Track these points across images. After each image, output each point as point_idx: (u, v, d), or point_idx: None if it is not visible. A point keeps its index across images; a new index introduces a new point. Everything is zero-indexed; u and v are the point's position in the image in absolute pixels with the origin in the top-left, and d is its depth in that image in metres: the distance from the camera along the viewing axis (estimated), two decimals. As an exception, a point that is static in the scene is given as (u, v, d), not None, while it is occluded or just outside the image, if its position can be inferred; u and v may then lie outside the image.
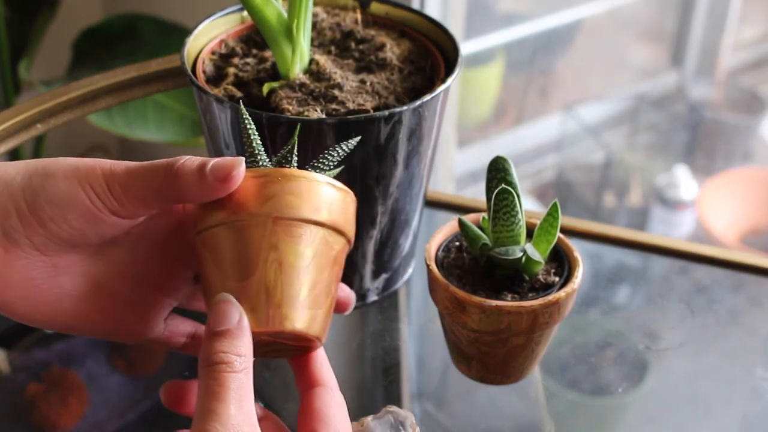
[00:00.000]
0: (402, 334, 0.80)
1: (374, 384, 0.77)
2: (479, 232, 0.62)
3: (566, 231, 0.82)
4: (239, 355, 0.48)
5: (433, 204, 0.86)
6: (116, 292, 0.54)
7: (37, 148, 1.43)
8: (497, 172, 0.62)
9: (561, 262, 0.64)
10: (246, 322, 0.49)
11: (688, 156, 2.04)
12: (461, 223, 0.63)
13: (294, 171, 0.51)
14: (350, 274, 0.68)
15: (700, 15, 2.07)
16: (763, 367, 0.81)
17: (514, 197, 0.60)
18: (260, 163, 0.53)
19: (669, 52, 2.14)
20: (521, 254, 0.60)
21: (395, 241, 0.69)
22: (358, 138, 0.55)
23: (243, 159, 0.51)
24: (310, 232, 0.49)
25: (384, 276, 0.70)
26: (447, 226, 0.66)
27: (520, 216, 0.60)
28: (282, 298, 0.48)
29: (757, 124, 2.06)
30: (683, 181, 1.88)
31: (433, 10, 1.38)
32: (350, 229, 0.52)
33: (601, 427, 0.80)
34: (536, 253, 0.60)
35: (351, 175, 0.62)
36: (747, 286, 0.84)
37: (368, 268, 0.69)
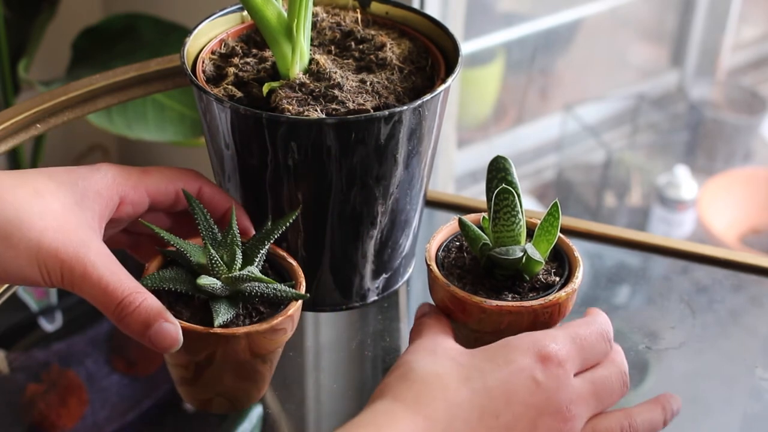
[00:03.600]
0: (402, 334, 0.80)
1: (374, 384, 0.77)
2: (479, 232, 0.62)
3: (566, 231, 0.82)
4: (427, 313, 0.62)
5: (433, 204, 0.86)
6: None
7: (37, 148, 1.43)
8: (498, 171, 0.62)
9: (561, 261, 0.64)
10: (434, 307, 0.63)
11: (688, 156, 2.04)
12: (461, 222, 0.63)
13: None
14: (350, 274, 0.68)
15: (700, 14, 2.07)
16: (763, 367, 0.81)
17: (514, 197, 0.60)
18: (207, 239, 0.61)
19: (669, 51, 2.14)
20: (521, 254, 0.59)
21: (395, 241, 0.69)
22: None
23: (179, 332, 0.55)
24: None
25: (384, 276, 0.70)
26: (447, 226, 0.66)
27: (520, 216, 0.60)
28: None
29: (758, 124, 2.06)
30: (683, 181, 1.87)
31: (433, 10, 1.38)
32: None
33: (602, 427, 0.80)
34: (537, 253, 0.60)
35: (351, 175, 0.62)
36: (747, 286, 0.84)
37: (368, 268, 0.69)
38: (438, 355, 0.55)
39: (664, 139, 2.04)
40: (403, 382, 0.53)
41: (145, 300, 0.55)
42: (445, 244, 0.65)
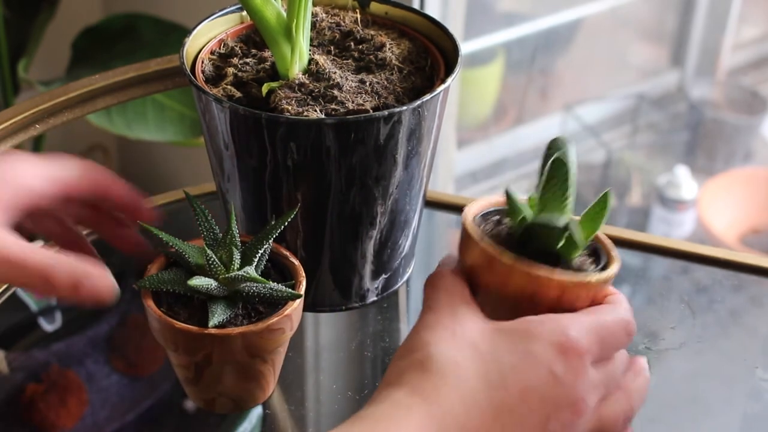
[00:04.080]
0: (402, 335, 0.80)
1: (374, 384, 0.77)
2: (524, 205, 0.59)
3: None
4: (446, 264, 0.60)
5: (433, 204, 0.86)
6: None
7: (36, 148, 1.43)
8: (556, 149, 0.58)
9: (598, 257, 0.60)
10: (453, 256, 0.60)
11: (688, 156, 2.04)
12: (507, 192, 0.59)
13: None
14: (350, 274, 0.68)
15: (700, 14, 2.07)
16: (763, 367, 0.81)
17: (568, 169, 0.57)
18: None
19: (669, 51, 2.14)
20: (565, 224, 0.55)
21: (395, 242, 0.69)
22: None
23: (112, 286, 0.56)
24: None
25: (383, 276, 0.70)
26: (488, 198, 0.62)
27: (570, 191, 0.57)
28: None
29: (758, 124, 2.06)
30: (684, 181, 1.88)
31: (433, 10, 1.38)
32: None
33: (602, 427, 0.80)
34: (579, 232, 0.56)
35: (350, 175, 0.62)
36: (747, 286, 0.84)
37: (368, 269, 0.69)
38: (457, 338, 0.53)
39: (664, 139, 2.04)
40: (421, 372, 0.52)
41: (63, 263, 0.55)
42: (482, 213, 0.61)
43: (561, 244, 0.57)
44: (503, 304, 0.57)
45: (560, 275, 0.56)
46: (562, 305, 0.56)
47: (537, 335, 0.53)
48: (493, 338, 0.53)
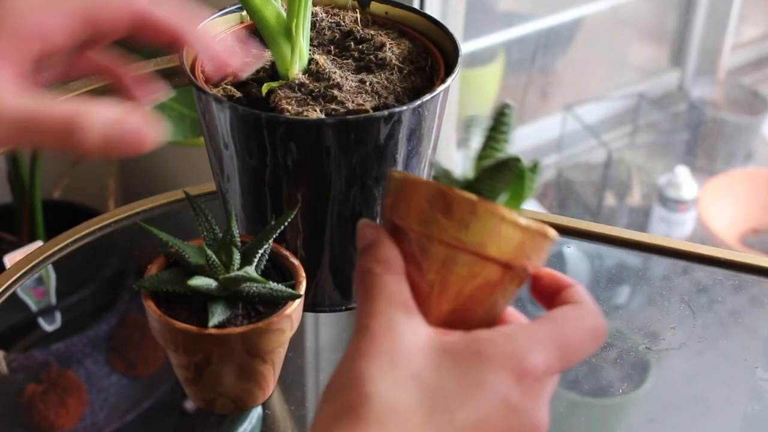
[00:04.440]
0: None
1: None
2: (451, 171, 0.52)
3: (566, 231, 0.82)
4: (379, 261, 0.47)
5: (433, 204, 0.86)
6: None
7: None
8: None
9: None
10: (383, 233, 0.48)
11: (688, 156, 2.04)
12: (433, 162, 0.56)
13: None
14: (350, 274, 0.68)
15: (700, 14, 2.07)
16: (763, 367, 0.81)
17: (510, 118, 0.50)
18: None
19: (670, 51, 2.14)
20: (516, 157, 0.47)
21: (395, 242, 0.68)
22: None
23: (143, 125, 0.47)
24: None
25: (384, 276, 0.70)
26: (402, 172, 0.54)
27: (510, 136, 0.50)
28: None
29: (759, 124, 2.06)
30: (684, 181, 1.88)
31: (433, 10, 1.38)
32: None
33: (602, 427, 0.80)
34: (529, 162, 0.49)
35: (350, 175, 0.62)
36: (747, 286, 0.83)
37: (368, 269, 0.68)
38: (397, 368, 0.44)
39: (665, 139, 2.04)
40: (356, 421, 0.43)
41: (91, 112, 0.47)
42: None
43: (514, 185, 0.49)
44: (461, 256, 0.48)
45: (523, 220, 0.48)
46: (518, 260, 0.49)
47: (490, 360, 0.45)
48: (439, 364, 0.45)
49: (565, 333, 0.47)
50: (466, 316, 0.49)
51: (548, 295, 0.50)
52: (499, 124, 0.50)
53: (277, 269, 0.64)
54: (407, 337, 0.46)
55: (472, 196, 0.47)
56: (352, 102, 0.63)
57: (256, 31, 0.70)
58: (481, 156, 0.50)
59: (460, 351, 0.45)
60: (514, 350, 0.45)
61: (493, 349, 0.45)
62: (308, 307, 0.69)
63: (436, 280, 0.48)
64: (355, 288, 0.49)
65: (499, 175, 0.48)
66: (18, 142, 0.48)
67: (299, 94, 0.64)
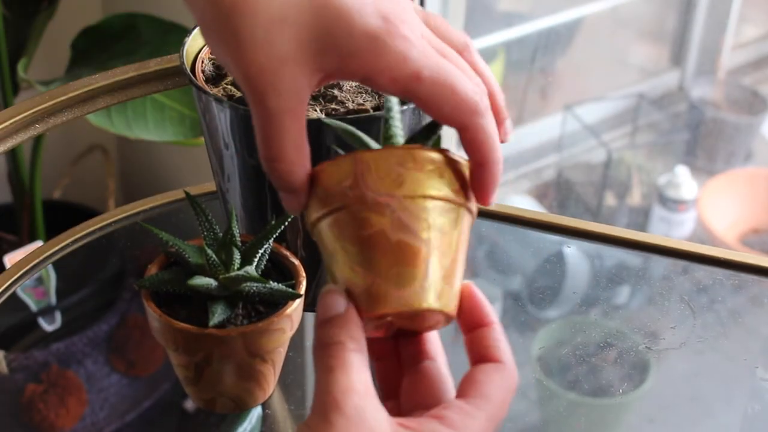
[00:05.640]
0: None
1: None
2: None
3: (566, 231, 0.82)
4: (351, 338, 0.47)
5: (433, 204, 0.86)
6: None
7: (36, 148, 1.43)
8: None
9: None
10: (352, 309, 0.48)
11: (688, 155, 2.04)
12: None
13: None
14: (350, 274, 0.68)
15: (700, 14, 2.07)
16: (763, 367, 0.81)
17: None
18: None
19: (670, 51, 2.14)
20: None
21: (395, 241, 0.68)
22: None
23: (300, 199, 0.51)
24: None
25: (384, 276, 0.70)
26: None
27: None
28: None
29: (758, 124, 2.06)
30: (684, 181, 1.88)
31: (433, 10, 1.38)
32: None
33: (602, 427, 0.80)
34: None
35: (350, 174, 0.62)
36: (747, 286, 0.83)
37: (368, 268, 0.68)
38: None
39: (665, 139, 2.04)
40: None
41: (291, 173, 0.50)
42: None
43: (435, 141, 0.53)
44: (439, 218, 0.50)
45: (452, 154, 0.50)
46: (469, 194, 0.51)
47: None
48: None
49: (500, 408, 0.49)
50: (454, 269, 0.49)
51: (467, 324, 0.51)
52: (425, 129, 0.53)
53: (277, 269, 0.64)
54: (374, 427, 0.46)
55: (436, 149, 0.49)
56: (352, 102, 0.63)
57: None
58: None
59: None
60: None
61: None
62: (308, 307, 0.69)
63: (429, 237, 0.49)
64: (316, 358, 0.47)
65: (428, 133, 0.53)
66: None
67: (299, 94, 0.64)
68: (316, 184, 0.50)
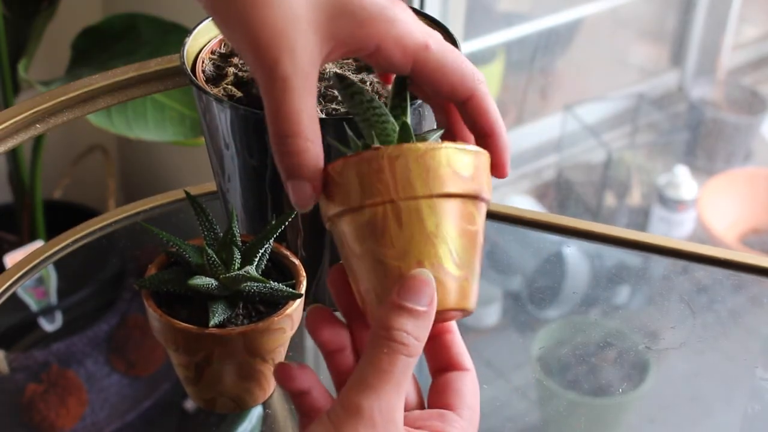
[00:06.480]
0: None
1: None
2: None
3: (566, 231, 0.82)
4: (418, 340, 0.47)
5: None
6: None
7: (36, 148, 1.43)
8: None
9: None
10: (435, 307, 0.47)
11: (688, 156, 2.04)
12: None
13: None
14: (350, 274, 0.68)
15: (700, 14, 2.07)
16: (763, 367, 0.81)
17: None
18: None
19: (669, 51, 2.14)
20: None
21: (395, 241, 0.68)
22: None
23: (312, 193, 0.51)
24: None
25: (384, 276, 0.70)
26: None
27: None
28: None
29: (758, 124, 2.06)
30: (684, 181, 1.88)
31: (433, 10, 1.38)
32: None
33: (602, 427, 0.80)
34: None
35: (351, 174, 0.62)
36: (747, 286, 0.84)
37: (368, 268, 0.68)
38: None
39: (664, 139, 2.04)
40: None
41: (307, 151, 0.48)
42: None
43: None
44: (452, 213, 0.50)
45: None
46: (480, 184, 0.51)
47: None
48: None
49: (478, 413, 0.52)
50: (472, 252, 0.50)
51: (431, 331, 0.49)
52: (396, 95, 0.52)
53: (277, 269, 0.64)
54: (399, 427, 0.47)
55: (438, 144, 0.49)
56: (353, 102, 0.63)
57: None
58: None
59: None
60: None
61: None
62: (309, 307, 0.69)
63: (437, 232, 0.48)
64: (373, 343, 0.47)
65: (398, 89, 0.52)
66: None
67: (299, 94, 0.64)
68: (342, 175, 0.49)
